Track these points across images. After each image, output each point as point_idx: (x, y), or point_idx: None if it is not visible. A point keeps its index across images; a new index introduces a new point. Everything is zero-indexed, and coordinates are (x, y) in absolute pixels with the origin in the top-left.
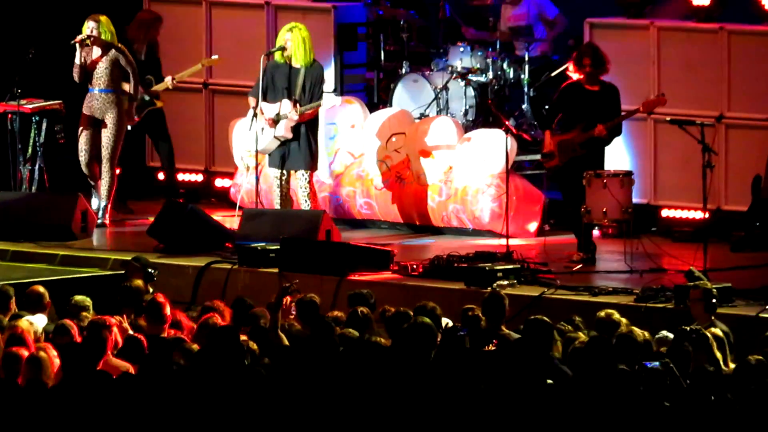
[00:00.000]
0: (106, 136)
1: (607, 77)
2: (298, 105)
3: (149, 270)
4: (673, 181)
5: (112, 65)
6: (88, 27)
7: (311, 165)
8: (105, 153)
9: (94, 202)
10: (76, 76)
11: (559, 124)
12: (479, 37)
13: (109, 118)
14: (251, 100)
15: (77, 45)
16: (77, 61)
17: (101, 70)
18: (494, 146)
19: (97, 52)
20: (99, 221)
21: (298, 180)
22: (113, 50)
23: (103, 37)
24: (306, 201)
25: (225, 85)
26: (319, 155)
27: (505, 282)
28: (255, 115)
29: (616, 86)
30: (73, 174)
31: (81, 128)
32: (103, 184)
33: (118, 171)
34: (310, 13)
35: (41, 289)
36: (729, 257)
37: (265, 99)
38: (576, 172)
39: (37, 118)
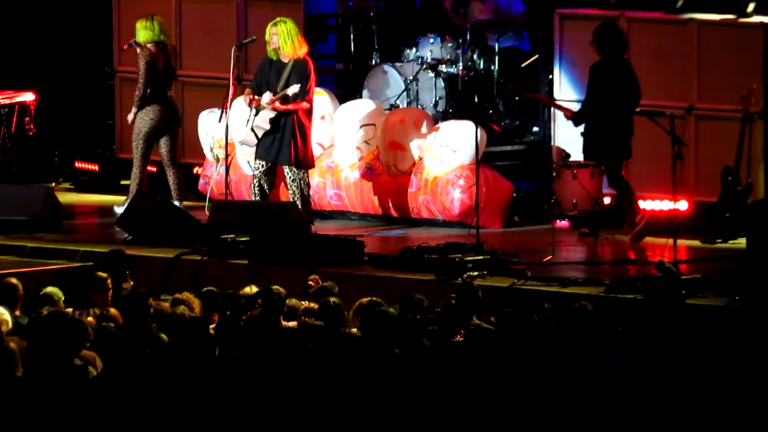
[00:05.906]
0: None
1: (577, 68)
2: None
3: (125, 265)
4: (643, 173)
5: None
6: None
7: (290, 161)
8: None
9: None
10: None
11: None
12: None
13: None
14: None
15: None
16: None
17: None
18: (464, 137)
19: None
20: None
21: (287, 178)
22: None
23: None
24: (296, 199)
25: (195, 76)
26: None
27: (475, 273)
28: (223, 108)
29: (627, 66)
30: (43, 166)
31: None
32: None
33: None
34: (280, 3)
35: (14, 280)
36: (699, 248)
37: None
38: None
39: (6, 110)
